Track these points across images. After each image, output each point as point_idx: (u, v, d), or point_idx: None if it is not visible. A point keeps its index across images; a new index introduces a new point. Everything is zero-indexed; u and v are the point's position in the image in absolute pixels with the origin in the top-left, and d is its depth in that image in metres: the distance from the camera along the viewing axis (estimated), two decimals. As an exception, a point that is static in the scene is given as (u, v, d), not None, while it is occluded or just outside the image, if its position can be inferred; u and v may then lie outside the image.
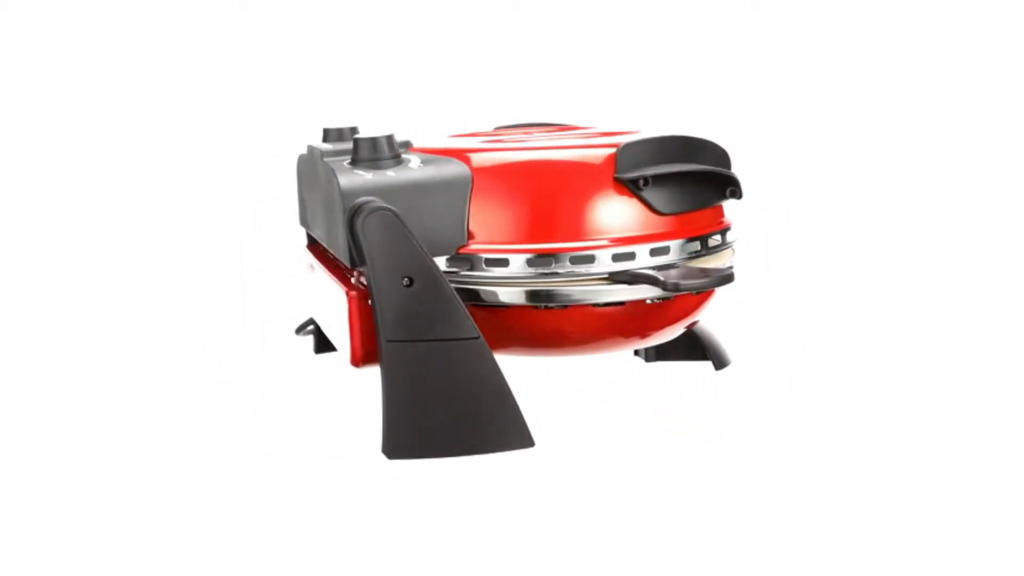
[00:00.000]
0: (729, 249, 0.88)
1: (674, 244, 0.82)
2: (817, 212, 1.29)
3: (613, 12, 1.30)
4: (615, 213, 0.80)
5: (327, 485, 0.76)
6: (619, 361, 0.99)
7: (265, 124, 1.15)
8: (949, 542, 0.67)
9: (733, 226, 0.88)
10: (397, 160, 0.82)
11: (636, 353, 0.99)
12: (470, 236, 0.80)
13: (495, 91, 1.24)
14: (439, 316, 0.77)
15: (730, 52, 1.31)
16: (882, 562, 0.65)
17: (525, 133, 0.95)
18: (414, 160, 0.82)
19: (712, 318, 0.96)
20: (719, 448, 0.81)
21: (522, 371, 0.92)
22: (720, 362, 0.95)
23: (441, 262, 0.81)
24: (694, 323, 0.89)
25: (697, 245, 0.83)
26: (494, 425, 0.78)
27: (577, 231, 0.80)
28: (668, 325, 0.84)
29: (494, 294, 0.81)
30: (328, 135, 0.91)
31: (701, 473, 0.77)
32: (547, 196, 0.80)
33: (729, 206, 0.90)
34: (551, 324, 0.81)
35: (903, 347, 1.02)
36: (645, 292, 0.80)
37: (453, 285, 0.80)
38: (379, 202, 0.77)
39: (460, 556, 0.67)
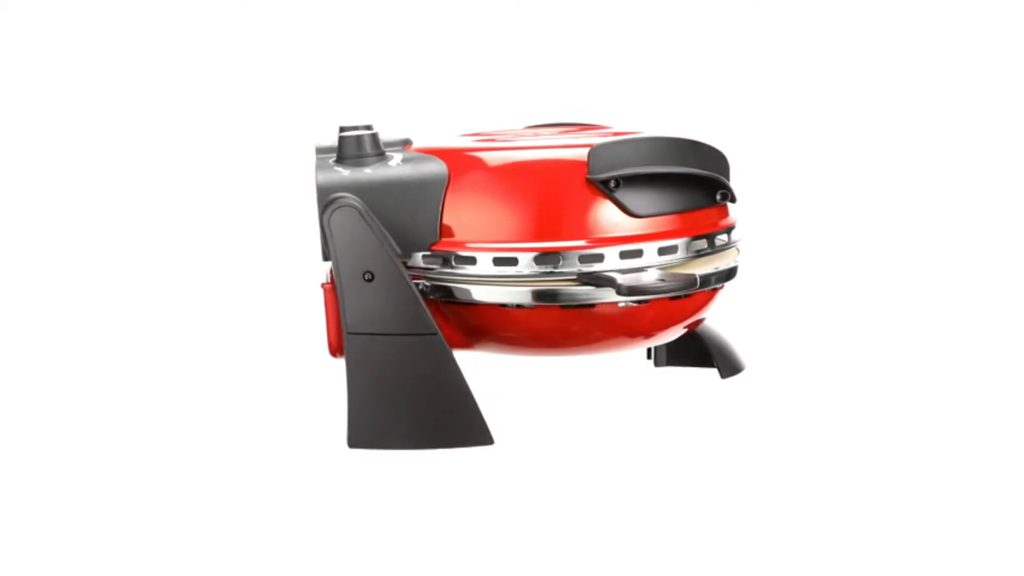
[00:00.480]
0: (730, 251, 0.85)
1: (648, 247, 0.80)
2: (821, 213, 1.28)
3: (637, 11, 1.29)
4: (584, 214, 0.80)
5: (286, 471, 0.79)
6: (627, 364, 0.98)
7: (298, 123, 1.17)
8: (950, 542, 0.66)
9: (734, 229, 0.86)
10: (381, 157, 0.84)
11: (648, 357, 0.98)
12: (444, 233, 0.82)
13: (529, 90, 1.25)
14: (398, 311, 0.79)
15: (742, 51, 1.31)
16: (883, 564, 0.64)
17: (534, 134, 0.95)
18: (396, 158, 0.84)
19: (716, 321, 0.95)
20: (716, 451, 0.81)
21: (518, 371, 0.94)
22: (728, 369, 0.93)
23: (419, 258, 0.82)
24: (693, 325, 0.87)
25: (678, 248, 0.81)
26: (451, 421, 0.79)
27: (544, 231, 0.80)
28: (648, 328, 0.83)
29: (467, 292, 0.81)
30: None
31: (696, 475, 0.77)
32: (516, 196, 0.81)
33: (739, 208, 0.88)
34: (521, 323, 0.82)
35: (901, 347, 1.02)
36: (608, 295, 0.79)
37: (431, 282, 0.82)
38: (350, 198, 0.80)
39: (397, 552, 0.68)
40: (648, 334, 0.84)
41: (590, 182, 0.80)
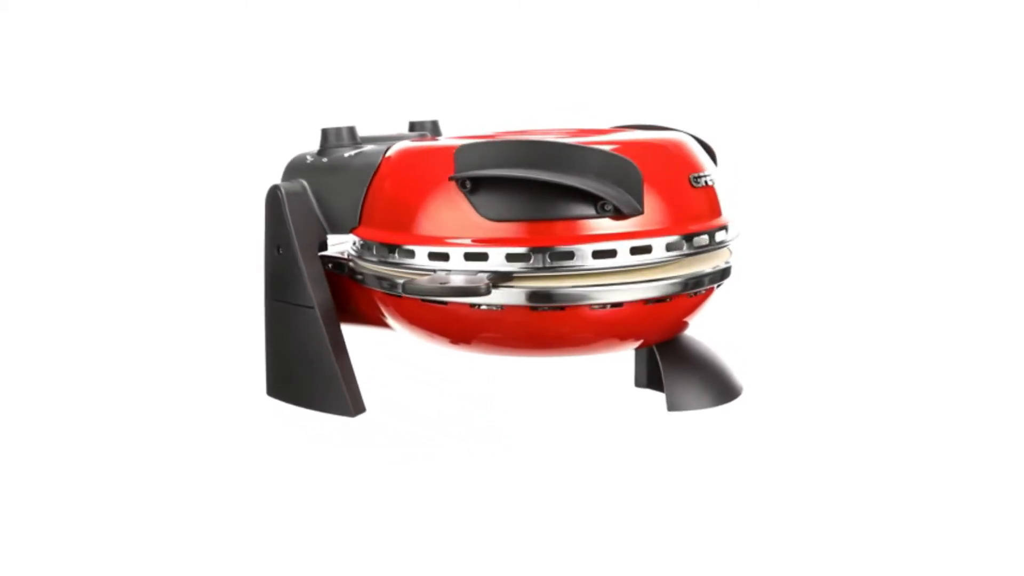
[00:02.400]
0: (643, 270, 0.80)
1: (494, 251, 0.79)
2: (807, 215, 1.28)
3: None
4: (438, 212, 0.82)
5: (211, 411, 0.92)
6: (611, 383, 0.95)
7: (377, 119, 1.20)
8: (953, 544, 0.67)
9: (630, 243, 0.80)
10: (353, 148, 0.93)
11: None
12: (363, 220, 0.88)
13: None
14: (291, 282, 0.89)
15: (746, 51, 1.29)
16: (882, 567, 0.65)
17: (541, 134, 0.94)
18: (359, 149, 0.92)
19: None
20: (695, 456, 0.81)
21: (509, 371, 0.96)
22: (689, 400, 0.85)
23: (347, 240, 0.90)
24: (648, 343, 0.84)
25: (530, 257, 0.79)
26: (319, 387, 0.87)
27: (405, 224, 0.83)
28: (519, 338, 0.82)
29: (373, 278, 0.88)
30: (411, 127, 1.04)
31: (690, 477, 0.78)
32: (393, 189, 0.85)
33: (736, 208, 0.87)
34: (399, 313, 0.86)
35: (898, 349, 1.02)
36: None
37: (352, 263, 0.89)
38: (288, 182, 0.91)
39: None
40: (525, 344, 0.83)
41: (452, 180, 0.81)
